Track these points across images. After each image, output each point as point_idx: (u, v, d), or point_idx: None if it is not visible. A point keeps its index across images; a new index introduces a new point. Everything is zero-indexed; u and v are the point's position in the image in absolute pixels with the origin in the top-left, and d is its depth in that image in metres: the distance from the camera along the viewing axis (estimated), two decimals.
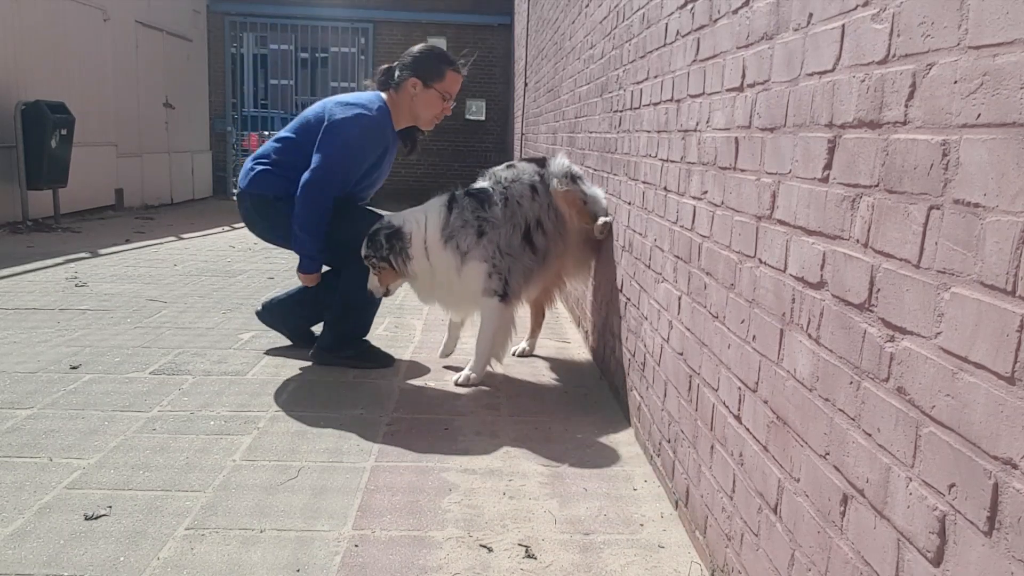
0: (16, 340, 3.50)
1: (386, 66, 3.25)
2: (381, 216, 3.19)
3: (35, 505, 1.98)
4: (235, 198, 3.32)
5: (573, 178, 3.18)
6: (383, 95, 3.17)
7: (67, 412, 2.63)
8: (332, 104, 3.14)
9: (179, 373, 3.10)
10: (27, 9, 7.58)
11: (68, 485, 2.10)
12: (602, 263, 3.38)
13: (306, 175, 3.01)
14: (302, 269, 3.19)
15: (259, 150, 3.28)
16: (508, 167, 3.24)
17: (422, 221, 3.00)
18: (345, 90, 13.60)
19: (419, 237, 2.98)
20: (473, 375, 3.09)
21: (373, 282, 3.06)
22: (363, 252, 3.00)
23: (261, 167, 3.18)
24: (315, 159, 3.01)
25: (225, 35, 12.55)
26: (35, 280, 4.96)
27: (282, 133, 3.25)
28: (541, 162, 3.31)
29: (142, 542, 1.83)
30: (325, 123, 3.05)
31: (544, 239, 3.14)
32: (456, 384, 3.07)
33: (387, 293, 3.13)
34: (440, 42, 12.92)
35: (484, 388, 3.09)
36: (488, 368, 3.16)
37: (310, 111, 3.20)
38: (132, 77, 9.77)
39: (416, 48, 3.22)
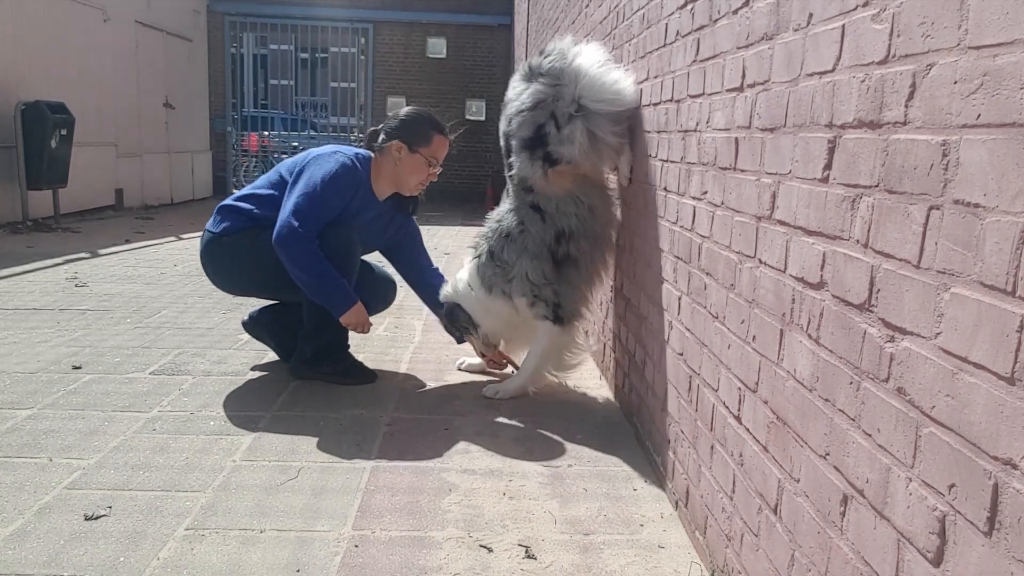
0: (16, 340, 3.50)
1: (372, 129, 3.13)
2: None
3: (35, 505, 1.98)
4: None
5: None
6: (367, 154, 3.05)
7: (67, 412, 2.63)
8: (313, 151, 3.02)
9: (179, 373, 3.10)
10: (27, 9, 7.58)
11: (68, 485, 2.10)
12: None
13: (278, 226, 2.78)
14: (337, 314, 2.91)
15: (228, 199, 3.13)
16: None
17: (462, 284, 3.02)
18: (345, 90, 13.70)
19: (471, 301, 2.99)
20: (501, 392, 2.97)
21: (477, 348, 3.14)
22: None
23: (222, 203, 3.05)
24: (285, 202, 2.84)
25: (225, 35, 12.55)
26: (35, 280, 4.96)
27: (270, 175, 3.11)
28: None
29: (142, 542, 1.83)
30: (305, 165, 2.92)
31: (580, 242, 2.85)
32: (484, 395, 2.97)
33: (496, 345, 3.16)
34: (440, 42, 12.95)
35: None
36: (526, 391, 2.99)
37: (284, 163, 3.07)
38: (132, 77, 9.77)
39: (403, 111, 3.08)
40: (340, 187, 2.89)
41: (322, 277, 2.83)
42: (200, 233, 3.17)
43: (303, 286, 2.85)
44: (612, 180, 3.00)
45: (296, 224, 2.77)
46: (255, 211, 2.96)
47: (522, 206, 2.87)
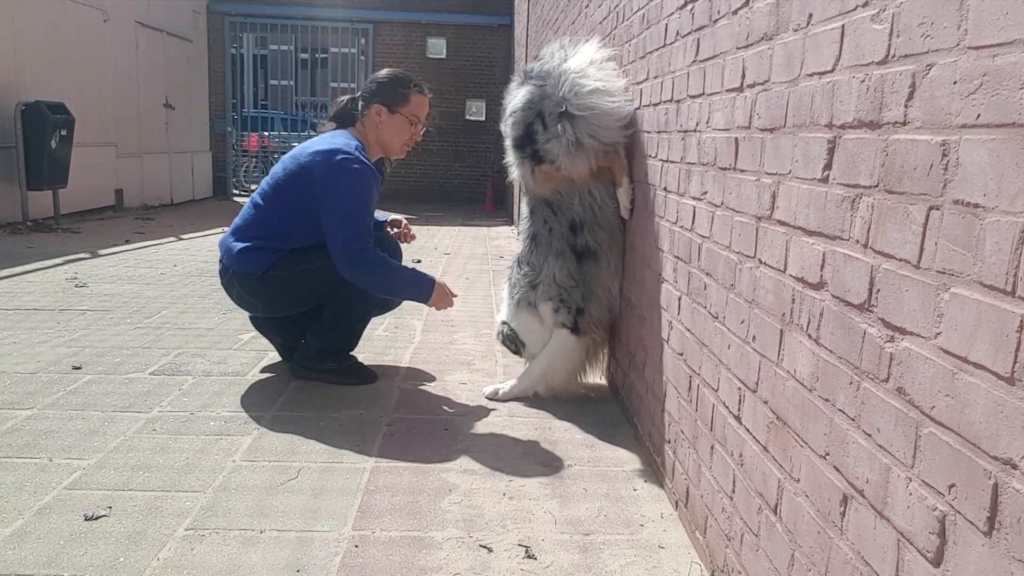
0: (16, 340, 3.50)
1: (348, 97, 3.12)
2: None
3: (35, 506, 1.98)
4: (220, 274, 3.06)
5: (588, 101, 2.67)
6: (349, 131, 3.02)
7: (67, 413, 2.63)
8: (304, 157, 2.89)
9: (179, 373, 3.10)
10: (27, 9, 7.58)
11: (68, 486, 2.10)
12: None
13: (339, 257, 2.80)
14: (424, 299, 2.92)
15: (235, 221, 3.04)
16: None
17: (504, 312, 3.07)
18: (344, 90, 13.70)
19: (519, 326, 3.01)
20: (503, 390, 2.97)
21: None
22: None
23: (241, 244, 2.95)
24: (331, 233, 2.80)
25: (225, 35, 12.55)
26: (35, 280, 4.96)
27: (254, 197, 3.06)
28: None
29: (142, 542, 1.83)
30: (315, 181, 2.83)
31: (595, 231, 2.84)
32: (485, 395, 2.97)
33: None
34: (440, 42, 12.95)
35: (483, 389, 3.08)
36: (528, 395, 2.97)
37: (278, 167, 3.01)
38: (132, 77, 9.77)
39: (379, 74, 3.08)
40: (370, 188, 2.88)
41: (395, 276, 2.89)
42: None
43: (384, 293, 2.95)
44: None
45: (354, 246, 2.79)
46: (275, 242, 2.94)
47: (534, 201, 2.94)
